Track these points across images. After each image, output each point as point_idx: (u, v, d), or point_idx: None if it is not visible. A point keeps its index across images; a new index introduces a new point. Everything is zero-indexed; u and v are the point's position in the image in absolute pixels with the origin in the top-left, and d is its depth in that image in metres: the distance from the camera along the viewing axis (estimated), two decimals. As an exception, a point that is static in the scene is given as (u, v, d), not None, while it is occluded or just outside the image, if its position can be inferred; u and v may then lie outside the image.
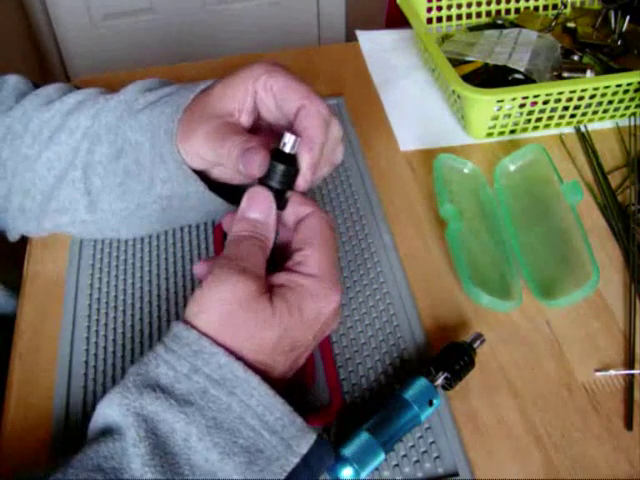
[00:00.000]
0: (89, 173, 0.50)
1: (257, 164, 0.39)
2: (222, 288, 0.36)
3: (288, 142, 0.40)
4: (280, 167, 0.40)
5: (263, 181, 0.40)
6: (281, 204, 0.41)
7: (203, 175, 0.48)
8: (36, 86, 0.57)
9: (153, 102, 0.49)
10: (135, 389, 0.35)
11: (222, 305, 0.36)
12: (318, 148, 0.41)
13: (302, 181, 0.41)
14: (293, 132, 0.40)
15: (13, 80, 0.55)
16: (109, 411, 0.35)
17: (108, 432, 0.35)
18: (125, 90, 0.51)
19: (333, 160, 0.45)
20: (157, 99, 0.49)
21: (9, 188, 0.52)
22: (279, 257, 0.42)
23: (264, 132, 0.46)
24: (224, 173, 0.48)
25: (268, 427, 0.35)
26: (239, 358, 0.36)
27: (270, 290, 0.38)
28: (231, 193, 0.50)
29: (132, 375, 0.36)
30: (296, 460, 0.35)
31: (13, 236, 0.56)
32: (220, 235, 0.54)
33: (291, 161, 0.40)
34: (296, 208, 0.41)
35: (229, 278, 0.36)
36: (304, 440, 0.35)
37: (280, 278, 0.39)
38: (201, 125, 0.44)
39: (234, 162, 0.40)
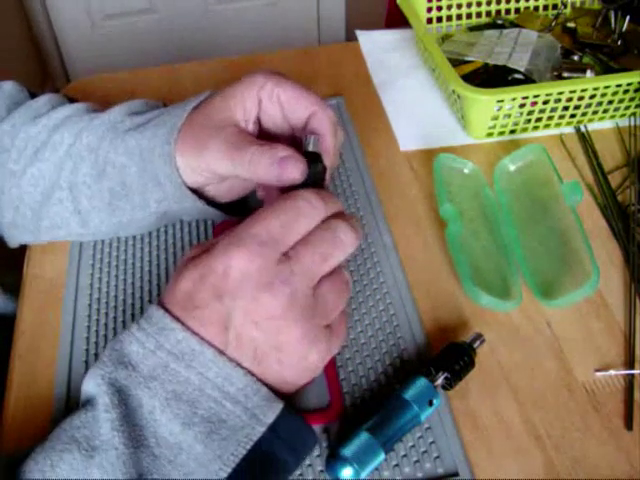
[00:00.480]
0: (76, 193, 0.49)
1: (300, 170, 0.40)
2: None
3: (311, 142, 0.42)
4: (317, 166, 0.41)
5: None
6: None
7: (196, 192, 0.48)
8: (31, 94, 0.56)
9: (142, 124, 0.48)
10: (110, 363, 0.36)
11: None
12: (333, 149, 0.43)
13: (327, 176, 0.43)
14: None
15: (8, 87, 0.55)
16: (86, 387, 0.37)
17: (83, 404, 0.37)
18: (111, 110, 0.51)
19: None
20: (145, 121, 0.48)
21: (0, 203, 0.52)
22: None
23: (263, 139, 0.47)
24: (218, 190, 0.49)
25: (229, 397, 0.35)
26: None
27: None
28: (224, 206, 0.51)
29: (108, 349, 0.37)
30: (262, 429, 0.35)
31: (12, 245, 0.56)
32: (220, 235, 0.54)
33: (318, 159, 0.42)
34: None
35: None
36: (270, 410, 0.36)
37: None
38: (212, 139, 0.43)
39: (259, 171, 0.41)
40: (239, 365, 0.36)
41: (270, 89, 0.44)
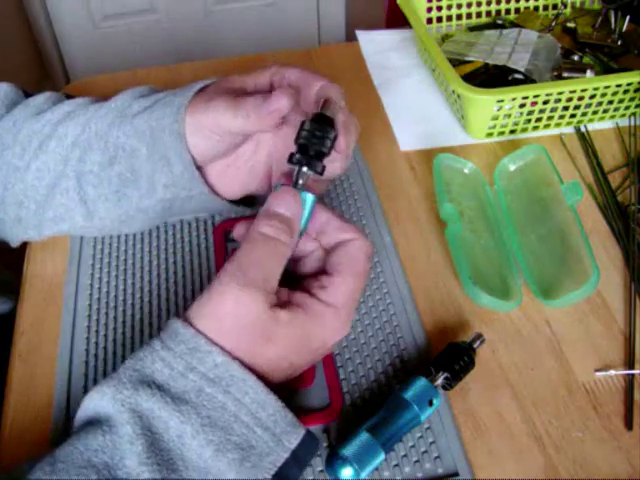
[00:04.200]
0: (82, 183, 0.49)
1: (285, 100, 0.40)
2: (226, 302, 0.36)
3: (325, 106, 0.41)
4: (324, 128, 0.40)
5: (303, 145, 0.40)
6: (319, 170, 0.41)
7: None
8: (27, 95, 0.56)
9: (149, 107, 0.49)
10: (130, 385, 0.35)
11: (225, 316, 0.36)
12: (346, 114, 0.43)
13: (342, 142, 0.42)
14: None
15: (4, 89, 0.55)
16: (101, 403, 0.35)
17: (96, 423, 0.35)
18: (116, 98, 0.51)
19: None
20: (153, 103, 0.49)
21: (2, 200, 0.52)
22: (299, 265, 0.42)
23: None
24: (224, 174, 0.49)
25: (261, 423, 0.35)
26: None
27: (284, 304, 0.38)
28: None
29: (128, 370, 0.36)
30: (286, 455, 0.35)
31: (15, 243, 0.55)
32: (220, 235, 0.55)
33: (331, 125, 0.41)
34: (336, 233, 0.41)
35: (232, 293, 0.36)
36: (294, 435, 0.36)
37: (298, 298, 0.38)
38: (218, 95, 0.44)
39: (260, 112, 0.41)
40: (271, 390, 0.36)
41: (281, 73, 0.45)
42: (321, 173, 0.40)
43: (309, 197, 0.40)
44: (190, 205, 0.51)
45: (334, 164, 0.43)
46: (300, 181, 0.40)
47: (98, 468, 0.33)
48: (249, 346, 0.36)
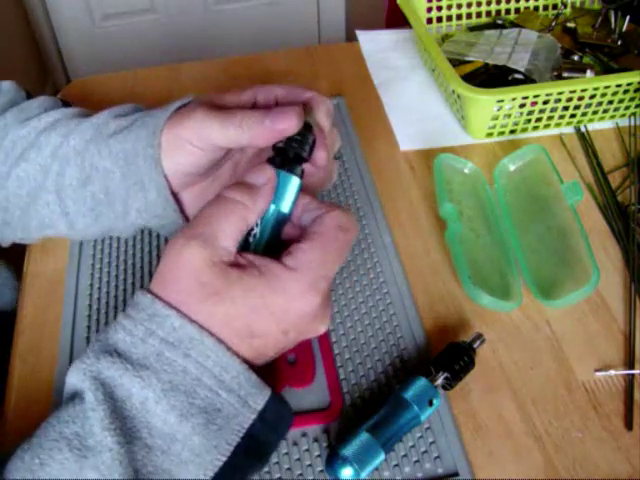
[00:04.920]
0: (62, 196, 0.49)
1: (297, 114, 0.39)
2: (170, 255, 0.36)
3: (307, 111, 0.40)
4: (302, 132, 0.39)
5: (281, 148, 0.39)
6: (298, 173, 0.39)
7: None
8: (29, 96, 0.56)
9: (126, 127, 0.47)
10: (92, 354, 0.35)
11: (171, 271, 0.36)
12: (329, 123, 0.42)
13: (322, 153, 0.41)
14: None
15: (6, 87, 0.54)
16: (71, 378, 0.35)
17: (70, 397, 0.35)
18: (99, 114, 0.50)
19: (334, 149, 0.45)
20: (129, 124, 0.47)
21: None
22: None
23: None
24: (199, 199, 0.47)
25: (225, 386, 0.35)
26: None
27: (239, 266, 0.36)
28: None
29: (92, 342, 0.36)
30: (253, 416, 0.35)
31: (5, 244, 0.55)
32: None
33: (310, 129, 0.40)
34: (314, 211, 0.40)
35: (175, 244, 0.36)
36: (260, 396, 0.35)
37: (255, 260, 0.37)
38: (198, 107, 0.42)
39: (252, 129, 0.39)
40: (234, 353, 0.35)
41: (266, 89, 0.44)
42: (300, 177, 0.39)
43: (294, 179, 0.39)
44: (163, 232, 0.51)
45: (312, 179, 0.43)
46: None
47: (69, 439, 0.33)
48: (194, 300, 0.35)
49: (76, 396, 0.35)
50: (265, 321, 0.36)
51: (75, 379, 0.35)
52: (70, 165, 0.48)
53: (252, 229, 0.38)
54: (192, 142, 0.43)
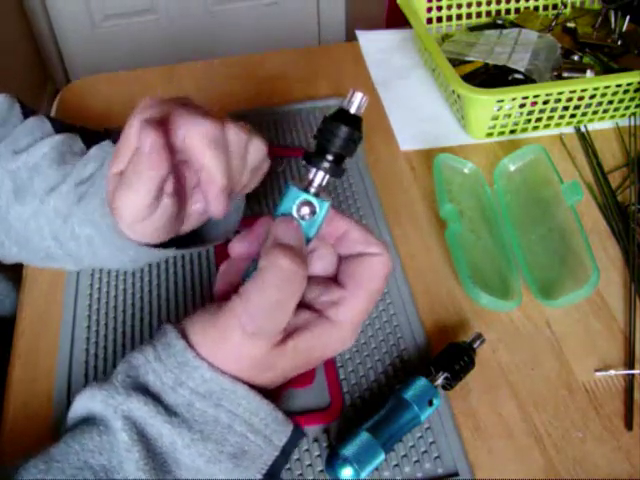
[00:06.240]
0: (62, 240, 0.48)
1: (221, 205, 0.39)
2: (229, 342, 0.34)
3: (355, 100, 0.34)
4: (344, 129, 0.34)
5: (322, 145, 0.35)
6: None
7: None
8: (23, 106, 0.53)
9: (85, 192, 0.46)
10: (123, 390, 0.34)
11: (226, 353, 0.35)
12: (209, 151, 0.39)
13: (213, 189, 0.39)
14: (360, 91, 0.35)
15: None
16: (93, 404, 0.35)
17: (91, 423, 0.35)
18: (72, 171, 0.48)
19: (250, 164, 0.43)
20: (90, 186, 0.46)
21: None
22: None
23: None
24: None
25: (254, 429, 0.35)
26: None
27: (290, 331, 0.35)
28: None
29: (121, 374, 0.35)
30: (276, 453, 0.35)
31: (7, 261, 0.54)
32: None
33: (356, 124, 0.34)
34: (357, 244, 0.37)
35: (235, 336, 0.34)
36: (284, 433, 0.36)
37: (305, 318, 0.35)
38: None
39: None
40: (260, 394, 0.35)
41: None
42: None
43: (324, 204, 0.35)
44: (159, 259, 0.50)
45: (196, 205, 0.42)
46: (315, 183, 0.35)
47: (95, 470, 0.33)
48: (246, 376, 0.35)
49: (97, 423, 0.34)
50: (302, 367, 0.37)
51: (100, 408, 0.34)
52: (57, 221, 0.47)
53: None
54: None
